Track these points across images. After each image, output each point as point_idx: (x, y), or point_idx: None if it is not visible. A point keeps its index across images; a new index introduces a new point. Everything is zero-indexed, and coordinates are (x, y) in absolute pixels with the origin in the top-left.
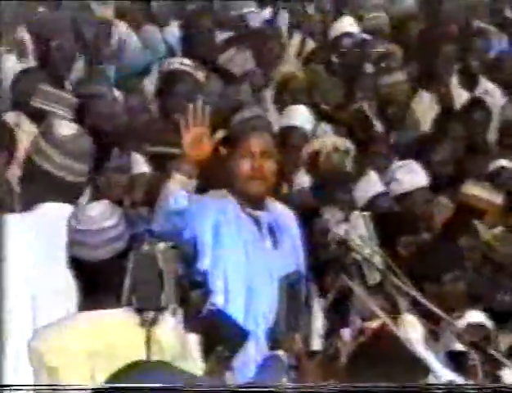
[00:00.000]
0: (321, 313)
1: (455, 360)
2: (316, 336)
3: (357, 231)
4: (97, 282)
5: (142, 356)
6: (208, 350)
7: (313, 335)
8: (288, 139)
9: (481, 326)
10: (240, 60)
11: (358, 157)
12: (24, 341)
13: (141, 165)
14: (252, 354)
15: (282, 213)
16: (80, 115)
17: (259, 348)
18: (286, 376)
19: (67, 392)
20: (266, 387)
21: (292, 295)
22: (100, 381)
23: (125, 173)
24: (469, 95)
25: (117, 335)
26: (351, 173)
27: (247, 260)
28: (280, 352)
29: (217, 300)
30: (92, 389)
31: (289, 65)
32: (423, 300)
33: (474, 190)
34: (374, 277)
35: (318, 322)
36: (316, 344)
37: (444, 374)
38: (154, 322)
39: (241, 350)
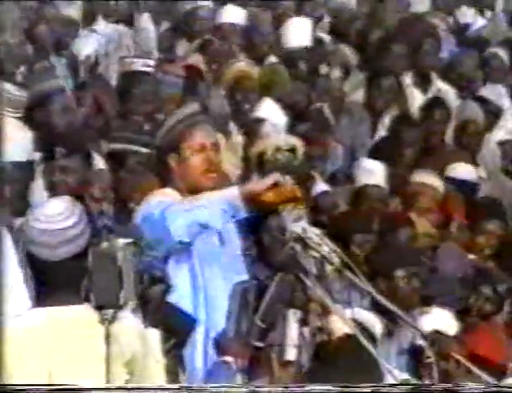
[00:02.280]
0: (296, 323)
1: (412, 357)
2: (291, 346)
3: (313, 229)
4: (56, 279)
5: (102, 353)
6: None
7: (288, 345)
8: (255, 132)
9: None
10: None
11: (308, 155)
12: None
13: (97, 163)
14: (200, 348)
15: None
16: (30, 113)
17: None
18: (236, 380)
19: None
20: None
21: (243, 301)
22: (57, 379)
23: (73, 174)
24: (424, 96)
25: (75, 332)
26: (297, 171)
27: (198, 256)
28: (229, 358)
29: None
30: (93, 388)
31: (242, 63)
32: (378, 297)
33: (421, 177)
34: (331, 275)
35: (293, 333)
36: (291, 354)
37: (396, 374)
38: (113, 319)
39: (190, 338)
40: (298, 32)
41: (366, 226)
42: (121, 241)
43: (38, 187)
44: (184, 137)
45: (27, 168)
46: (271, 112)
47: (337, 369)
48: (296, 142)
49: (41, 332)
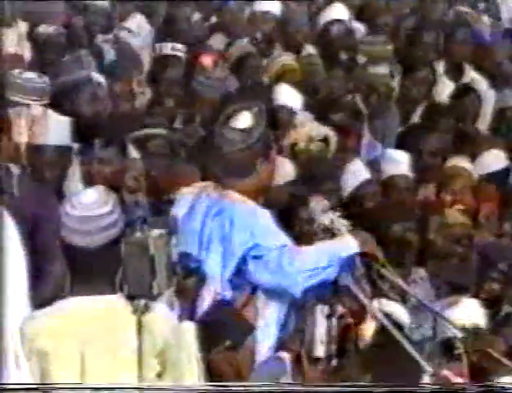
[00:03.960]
0: (324, 319)
1: (441, 350)
2: (319, 342)
3: (341, 220)
4: (91, 268)
5: (133, 344)
6: (214, 342)
7: (316, 341)
8: (276, 120)
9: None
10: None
11: (342, 145)
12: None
13: (130, 152)
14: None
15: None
16: (61, 102)
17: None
18: (286, 378)
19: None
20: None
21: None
22: (89, 368)
23: (108, 165)
24: (456, 85)
25: (108, 321)
26: (331, 161)
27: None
28: (285, 354)
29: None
30: (92, 388)
31: (287, 56)
32: (407, 288)
33: (456, 161)
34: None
35: (321, 329)
36: (319, 350)
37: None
38: (145, 309)
39: (245, 343)
40: (336, 11)
41: (405, 214)
42: (155, 231)
43: (74, 176)
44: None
45: (65, 153)
46: (287, 97)
47: (369, 366)
48: (328, 132)
49: (74, 321)
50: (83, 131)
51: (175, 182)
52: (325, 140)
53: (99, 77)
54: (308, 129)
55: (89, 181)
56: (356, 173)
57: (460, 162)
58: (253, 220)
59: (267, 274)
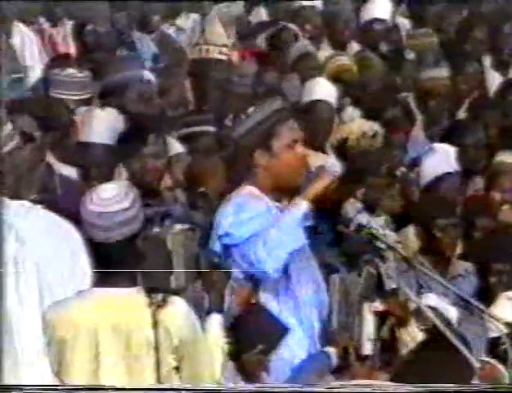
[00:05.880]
0: (373, 317)
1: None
2: (367, 340)
3: (377, 219)
4: (111, 261)
5: (149, 337)
6: (246, 347)
7: (364, 339)
8: (313, 114)
9: None
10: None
11: (387, 140)
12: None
13: (176, 147)
14: (291, 353)
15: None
16: (111, 99)
17: (302, 345)
18: (330, 374)
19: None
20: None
21: (344, 293)
22: (103, 358)
23: (161, 159)
24: (503, 78)
25: (125, 314)
26: (381, 156)
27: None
28: (331, 349)
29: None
30: (92, 388)
31: (343, 56)
32: (448, 285)
33: (502, 157)
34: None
35: (369, 327)
36: (367, 348)
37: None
38: (163, 303)
39: (280, 346)
40: (378, 7)
41: (448, 210)
42: (177, 226)
43: (120, 175)
44: (274, 133)
45: (110, 151)
46: (325, 92)
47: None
48: (378, 128)
49: (93, 311)
50: (132, 128)
51: (205, 175)
52: (374, 136)
53: (149, 74)
54: (360, 125)
55: (133, 178)
56: (437, 165)
57: (508, 158)
58: (229, 211)
59: (244, 263)
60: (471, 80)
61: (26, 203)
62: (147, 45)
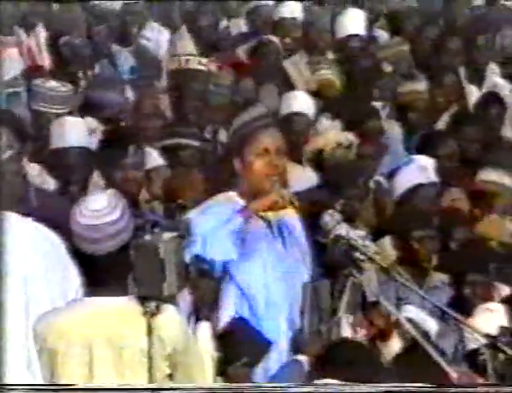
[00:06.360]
0: (349, 328)
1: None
2: None
3: (357, 231)
4: (102, 271)
5: (143, 346)
6: (231, 359)
7: None
8: (290, 127)
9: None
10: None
11: (360, 150)
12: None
13: (155, 159)
14: (272, 365)
15: (286, 212)
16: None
17: (280, 356)
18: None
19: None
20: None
21: (315, 300)
22: (97, 369)
23: (140, 170)
24: (479, 90)
25: (118, 323)
26: (357, 167)
27: (263, 265)
28: (302, 357)
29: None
30: (93, 389)
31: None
32: (427, 297)
33: (492, 176)
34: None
35: (346, 334)
36: None
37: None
38: (156, 311)
39: (263, 360)
40: (353, 22)
41: (424, 221)
42: (166, 234)
43: (97, 182)
44: (249, 140)
45: (86, 156)
46: (302, 104)
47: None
48: (353, 138)
49: (85, 321)
50: (112, 138)
51: (183, 188)
52: (349, 146)
53: (128, 91)
54: (335, 135)
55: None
56: (411, 176)
57: (498, 177)
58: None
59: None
60: (449, 92)
61: (14, 215)
62: (125, 57)
